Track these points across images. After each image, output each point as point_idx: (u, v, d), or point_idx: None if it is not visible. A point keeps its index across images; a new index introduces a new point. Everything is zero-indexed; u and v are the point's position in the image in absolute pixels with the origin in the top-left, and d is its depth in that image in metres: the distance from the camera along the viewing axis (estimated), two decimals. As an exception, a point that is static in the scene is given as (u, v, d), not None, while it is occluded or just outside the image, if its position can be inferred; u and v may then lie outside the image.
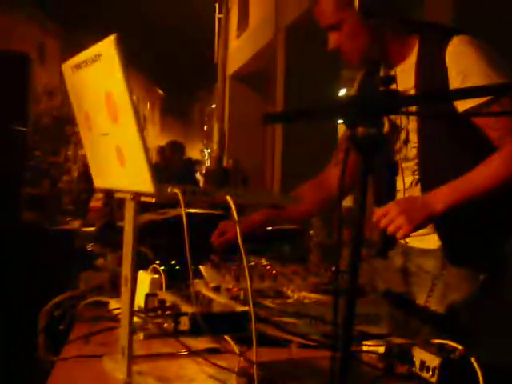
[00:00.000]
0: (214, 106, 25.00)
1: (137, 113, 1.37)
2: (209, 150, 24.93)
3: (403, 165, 2.36)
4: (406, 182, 2.34)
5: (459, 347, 1.55)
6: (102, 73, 1.44)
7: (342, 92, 9.84)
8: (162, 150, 11.26)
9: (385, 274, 2.47)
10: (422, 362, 1.56)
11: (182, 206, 1.36)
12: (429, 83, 2.22)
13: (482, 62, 2.12)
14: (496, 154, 2.12)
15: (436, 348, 1.57)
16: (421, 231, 2.17)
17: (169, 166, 10.44)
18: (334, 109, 1.12)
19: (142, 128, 1.35)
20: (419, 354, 1.58)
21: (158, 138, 44.74)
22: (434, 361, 1.53)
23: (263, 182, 15.09)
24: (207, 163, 23.68)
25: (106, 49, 1.39)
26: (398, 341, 1.74)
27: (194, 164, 13.48)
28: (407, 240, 2.35)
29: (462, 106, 2.13)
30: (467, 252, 2.26)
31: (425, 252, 2.33)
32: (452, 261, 2.25)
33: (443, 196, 2.10)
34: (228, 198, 1.39)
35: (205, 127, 42.65)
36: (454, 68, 2.15)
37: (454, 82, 2.14)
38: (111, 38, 1.36)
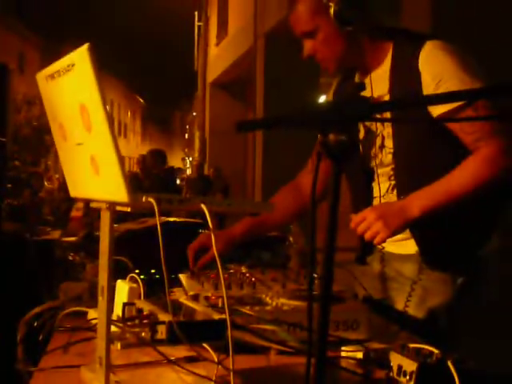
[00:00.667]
0: (194, 113, 25.00)
1: (111, 122, 1.37)
2: (190, 158, 24.90)
3: (379, 171, 2.37)
4: (382, 187, 2.36)
5: (436, 351, 1.56)
6: (76, 82, 1.44)
7: (322, 98, 9.87)
8: (143, 159, 11.25)
9: (363, 279, 2.48)
10: (400, 367, 1.57)
11: (157, 214, 1.36)
12: (403, 88, 2.23)
13: (455, 66, 2.13)
14: (471, 157, 2.13)
15: (413, 352, 1.57)
16: (398, 236, 2.18)
17: (150, 175, 10.43)
18: (307, 116, 1.13)
19: (115, 138, 1.35)
20: (396, 359, 1.58)
21: (139, 147, 44.68)
22: (411, 365, 1.53)
23: (245, 190, 15.10)
24: (189, 171, 23.65)
25: (80, 58, 1.39)
26: (376, 346, 1.75)
27: (175, 172, 13.46)
28: (384, 245, 2.37)
29: (437, 111, 2.14)
30: (444, 256, 2.27)
31: (403, 257, 2.34)
32: (430, 265, 2.27)
33: (419, 201, 2.11)
34: (203, 206, 1.39)
35: (186, 135, 42.62)
36: (428, 73, 2.16)
37: (428, 87, 2.15)
38: (84, 47, 1.35)
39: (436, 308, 2.26)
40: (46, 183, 12.04)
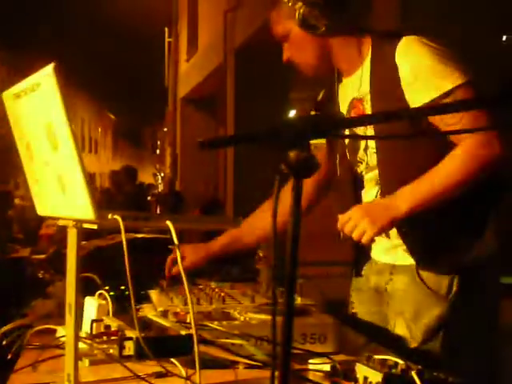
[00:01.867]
0: (165, 129, 24.95)
1: (77, 141, 1.38)
2: (162, 174, 24.83)
3: (367, 176, 2.35)
4: (372, 193, 2.33)
5: (401, 362, 1.58)
6: (42, 102, 1.45)
7: (292, 113, 9.93)
8: (114, 175, 11.21)
9: (360, 292, 2.49)
10: (365, 378, 1.59)
11: (122, 232, 1.38)
12: (382, 86, 2.23)
13: (431, 58, 2.12)
14: (458, 148, 2.10)
15: (378, 364, 1.59)
16: (387, 245, 2.19)
17: (121, 191, 10.40)
18: (268, 133, 1.15)
19: (81, 156, 1.36)
20: (362, 371, 1.60)
21: (110, 163, 44.43)
22: (376, 376, 1.55)
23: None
24: (160, 187, 23.58)
25: (45, 78, 1.40)
26: (344, 358, 1.77)
27: (145, 189, 13.43)
28: (376, 256, 2.37)
29: (417, 103, 2.12)
30: (436, 253, 2.23)
31: (395, 268, 2.32)
32: (422, 266, 2.23)
33: (405, 197, 2.08)
34: (168, 222, 1.41)
35: (157, 151, 42.49)
36: (404, 66, 2.15)
37: (406, 80, 2.15)
38: (50, 67, 1.37)
39: (429, 324, 2.22)
40: (16, 200, 11.94)
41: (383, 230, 2.09)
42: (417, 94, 2.13)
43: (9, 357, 1.92)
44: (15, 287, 3.28)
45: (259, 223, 2.63)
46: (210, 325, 1.86)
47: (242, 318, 1.99)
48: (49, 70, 1.37)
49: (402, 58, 2.16)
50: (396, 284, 2.32)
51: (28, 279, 2.94)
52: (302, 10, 2.18)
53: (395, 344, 2.22)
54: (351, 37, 2.29)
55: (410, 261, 2.26)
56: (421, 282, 2.23)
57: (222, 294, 2.27)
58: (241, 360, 1.77)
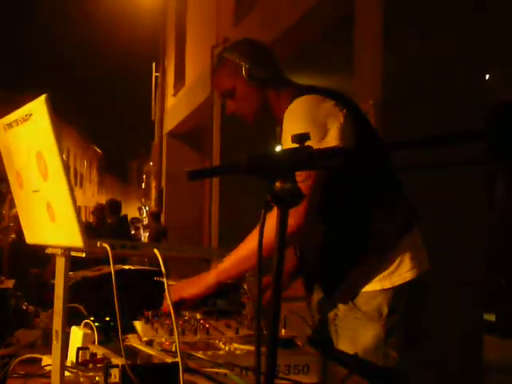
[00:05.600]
0: (151, 163, 24.98)
1: (67, 170, 1.41)
2: (147, 208, 24.80)
3: None
4: None
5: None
6: (33, 132, 1.48)
7: (278, 148, 9.97)
8: (98, 209, 11.19)
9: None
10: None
11: (111, 259, 1.40)
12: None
13: (291, 117, 2.31)
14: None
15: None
16: None
17: (104, 224, 10.40)
18: (255, 164, 1.19)
19: (71, 185, 1.39)
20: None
21: (95, 196, 44.34)
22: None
23: (201, 238, 15.08)
24: (145, 221, 23.53)
25: (37, 108, 1.43)
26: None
27: (127, 221, 13.41)
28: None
29: None
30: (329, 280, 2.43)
31: (325, 299, 2.47)
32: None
33: (216, 270, 2.35)
34: (155, 251, 1.43)
35: (143, 185, 42.48)
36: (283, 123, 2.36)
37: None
38: (42, 97, 1.41)
39: (367, 346, 2.29)
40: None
41: (196, 296, 2.37)
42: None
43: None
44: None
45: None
46: (195, 354, 1.88)
47: (226, 349, 2.01)
48: (41, 100, 1.40)
49: (284, 117, 2.37)
50: (329, 314, 2.43)
51: (11, 310, 2.93)
52: (247, 65, 2.45)
53: (378, 377, 2.24)
54: (282, 88, 2.50)
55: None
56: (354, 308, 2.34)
57: (207, 326, 2.28)
58: (225, 389, 1.78)
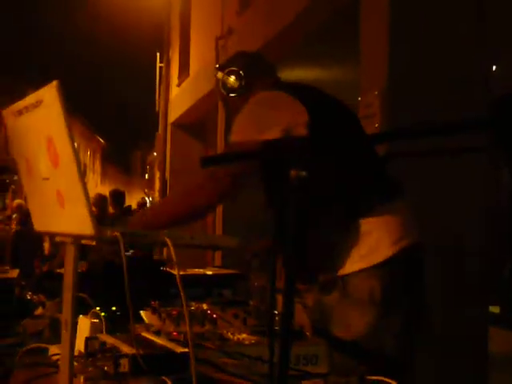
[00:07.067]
0: (155, 154, 24.96)
1: (78, 157, 1.40)
2: (150, 198, 24.80)
3: None
4: None
5: (393, 383, 1.59)
6: (44, 118, 1.47)
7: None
8: (100, 199, 11.17)
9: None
10: (358, 399, 1.60)
11: (122, 248, 1.38)
12: None
13: (238, 119, 2.44)
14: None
15: (371, 385, 1.61)
16: None
17: (105, 215, 10.37)
18: (268, 151, 1.17)
19: (82, 172, 1.38)
20: (355, 391, 1.61)
21: (98, 186, 44.36)
22: (369, 397, 1.56)
23: (206, 229, 15.09)
24: (149, 211, 23.47)
25: (48, 95, 1.42)
26: (336, 379, 1.78)
27: (131, 212, 13.41)
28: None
29: None
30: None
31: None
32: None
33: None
34: (167, 239, 1.42)
35: (146, 175, 42.49)
36: None
37: None
38: (53, 84, 1.39)
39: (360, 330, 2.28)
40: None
41: None
42: None
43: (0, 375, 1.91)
44: (3, 308, 3.26)
45: None
46: (204, 344, 1.87)
47: (234, 339, 2.00)
48: (52, 86, 1.39)
49: None
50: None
51: (16, 300, 2.93)
52: (223, 78, 2.70)
53: (384, 366, 2.23)
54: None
55: None
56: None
57: (214, 316, 2.27)
58: (234, 380, 1.77)
